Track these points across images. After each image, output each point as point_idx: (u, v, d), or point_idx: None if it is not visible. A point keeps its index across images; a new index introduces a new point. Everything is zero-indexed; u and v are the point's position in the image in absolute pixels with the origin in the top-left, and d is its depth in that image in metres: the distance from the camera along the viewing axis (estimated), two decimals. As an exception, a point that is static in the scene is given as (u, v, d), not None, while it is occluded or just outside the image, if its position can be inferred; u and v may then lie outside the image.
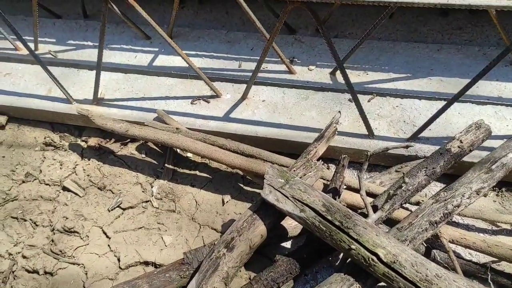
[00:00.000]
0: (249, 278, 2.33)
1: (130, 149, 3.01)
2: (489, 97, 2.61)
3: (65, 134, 3.20)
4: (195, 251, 2.32)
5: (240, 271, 2.37)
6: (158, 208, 2.71)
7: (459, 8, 2.05)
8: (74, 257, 2.57)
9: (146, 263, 2.49)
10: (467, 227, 2.33)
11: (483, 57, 2.78)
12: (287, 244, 2.43)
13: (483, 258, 2.22)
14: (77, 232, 2.66)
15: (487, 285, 2.07)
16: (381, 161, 2.59)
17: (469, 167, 2.15)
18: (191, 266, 2.27)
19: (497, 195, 2.43)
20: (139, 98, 3.06)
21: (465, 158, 2.29)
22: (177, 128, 2.73)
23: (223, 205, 2.66)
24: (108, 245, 2.59)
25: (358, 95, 2.60)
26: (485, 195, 2.42)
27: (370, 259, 1.85)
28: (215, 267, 2.07)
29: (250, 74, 2.78)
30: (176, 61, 3.21)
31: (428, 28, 3.14)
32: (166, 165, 2.88)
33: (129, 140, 3.03)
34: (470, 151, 2.24)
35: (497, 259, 2.14)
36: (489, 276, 2.08)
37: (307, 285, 2.26)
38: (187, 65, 2.82)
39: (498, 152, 2.16)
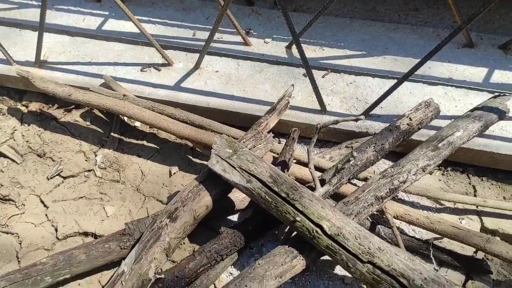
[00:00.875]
0: (193, 251, 2.27)
1: (74, 116, 2.85)
2: (440, 78, 2.63)
3: (4, 97, 2.99)
4: (137, 222, 2.23)
5: (183, 243, 2.30)
6: (101, 177, 2.58)
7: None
8: (7, 226, 2.41)
9: (86, 234, 2.38)
10: (412, 204, 2.35)
11: (436, 38, 2.80)
12: (234, 217, 2.38)
13: (425, 235, 2.25)
14: (12, 200, 2.50)
15: (428, 261, 2.11)
16: (332, 137, 2.57)
17: (417, 146, 2.16)
18: (132, 237, 2.18)
19: (442, 174, 2.47)
20: (85, 63, 2.89)
21: (414, 137, 2.32)
22: (124, 95, 2.60)
23: (170, 177, 2.57)
24: (46, 215, 2.45)
25: (313, 70, 2.56)
26: (430, 173, 2.45)
27: (314, 231, 1.82)
28: (157, 237, 1.99)
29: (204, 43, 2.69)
30: (127, 26, 3.05)
31: (386, 8, 3.13)
32: (112, 134, 2.74)
33: (73, 106, 2.87)
34: (419, 129, 2.25)
35: (439, 236, 2.18)
36: (431, 252, 2.11)
37: (252, 258, 2.23)
38: (138, 31, 2.68)
39: (445, 131, 2.18)
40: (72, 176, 2.60)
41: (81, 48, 2.98)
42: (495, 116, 2.27)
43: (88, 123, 2.82)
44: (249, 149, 2.17)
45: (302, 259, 1.91)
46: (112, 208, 2.46)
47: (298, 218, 1.85)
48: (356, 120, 1.97)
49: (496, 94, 2.42)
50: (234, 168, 2.00)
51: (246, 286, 1.83)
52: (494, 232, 2.23)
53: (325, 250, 1.83)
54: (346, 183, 2.17)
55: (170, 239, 2.00)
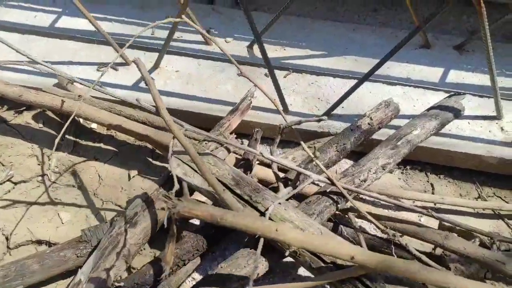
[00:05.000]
0: (154, 256, 2.20)
1: (26, 118, 2.71)
2: (399, 78, 2.68)
3: None
4: (94, 228, 2.14)
5: (144, 249, 2.23)
6: (55, 182, 2.47)
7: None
8: (-47, 236, 2.27)
9: (39, 242, 2.27)
10: (373, 203, 2.38)
11: (395, 39, 2.84)
12: (196, 221, 2.32)
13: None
14: (-42, 209, 2.35)
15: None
16: (294, 138, 2.56)
17: (377, 145, 2.19)
18: (89, 244, 2.09)
19: (402, 172, 2.52)
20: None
21: (374, 136, 2.34)
22: (79, 96, 2.49)
23: (129, 180, 2.49)
24: (-5, 223, 2.32)
25: (275, 70, 2.55)
26: (390, 172, 2.49)
27: (277, 234, 1.80)
28: (115, 244, 1.92)
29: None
30: (81, 24, 2.93)
31: (345, 8, 3.16)
32: (66, 136, 2.63)
33: (24, 108, 2.73)
34: (379, 128, 2.28)
35: (400, 234, 2.21)
36: (393, 250, 2.13)
37: (215, 262, 2.18)
38: (94, 29, 2.58)
39: (404, 130, 2.22)
40: (24, 181, 2.47)
41: (33, 47, 2.84)
42: (450, 114, 2.32)
43: (41, 125, 2.69)
44: (212, 151, 2.13)
45: (265, 261, 1.89)
46: (67, 214, 2.36)
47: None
48: (319, 120, 1.97)
49: (452, 93, 2.48)
50: (196, 171, 1.96)
51: (209, 291, 1.79)
52: (451, 229, 2.29)
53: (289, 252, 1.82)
54: (309, 184, 2.17)
55: (129, 246, 1.94)
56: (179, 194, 2.03)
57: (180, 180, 1.97)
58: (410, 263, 1.47)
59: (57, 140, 1.98)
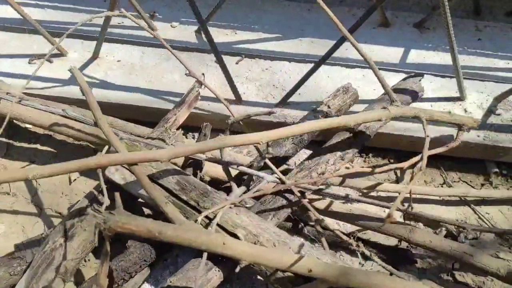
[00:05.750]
0: (100, 268, 2.01)
1: (-49, 120, 2.43)
2: (357, 60, 2.52)
3: None
4: (29, 242, 1.93)
5: (88, 260, 2.04)
6: (-13, 191, 2.23)
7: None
8: None
9: (-30, 259, 2.04)
10: (335, 197, 2.24)
11: (352, 17, 2.68)
12: (145, 226, 2.14)
13: (350, 228, 2.16)
14: None
15: (354, 255, 2.03)
16: (250, 130, 2.39)
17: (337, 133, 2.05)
18: (23, 260, 1.88)
19: (364, 161, 2.39)
20: (-41, 57, 2.48)
21: (333, 124, 2.20)
22: (7, 93, 2.23)
23: (70, 184, 2.27)
24: None
25: (226, 56, 2.37)
26: (351, 161, 2.36)
27: (229, 241, 1.64)
28: (50, 261, 1.73)
29: (102, 29, 2.39)
30: (9, 12, 2.62)
31: (300, -14, 2.98)
32: (-2, 138, 2.39)
33: (-51, 108, 2.45)
34: (338, 116, 2.13)
35: (362, 229, 2.09)
36: (359, 250, 2.01)
37: (167, 271, 1.99)
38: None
39: (361, 116, 2.07)
40: (-49, 191, 2.22)
41: (-47, 40, 2.55)
42: (408, 97, 2.18)
43: (-31, 127, 2.42)
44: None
45: (218, 271, 1.73)
46: (1, 226, 2.14)
47: (210, 228, 1.66)
48: (269, 113, 1.79)
49: (410, 74, 2.35)
50: (137, 175, 1.76)
51: (157, 309, 1.62)
52: (417, 219, 2.19)
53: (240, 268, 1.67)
54: (264, 184, 2.00)
55: (66, 262, 1.74)
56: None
57: (118, 186, 1.78)
58: (373, 274, 1.33)
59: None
